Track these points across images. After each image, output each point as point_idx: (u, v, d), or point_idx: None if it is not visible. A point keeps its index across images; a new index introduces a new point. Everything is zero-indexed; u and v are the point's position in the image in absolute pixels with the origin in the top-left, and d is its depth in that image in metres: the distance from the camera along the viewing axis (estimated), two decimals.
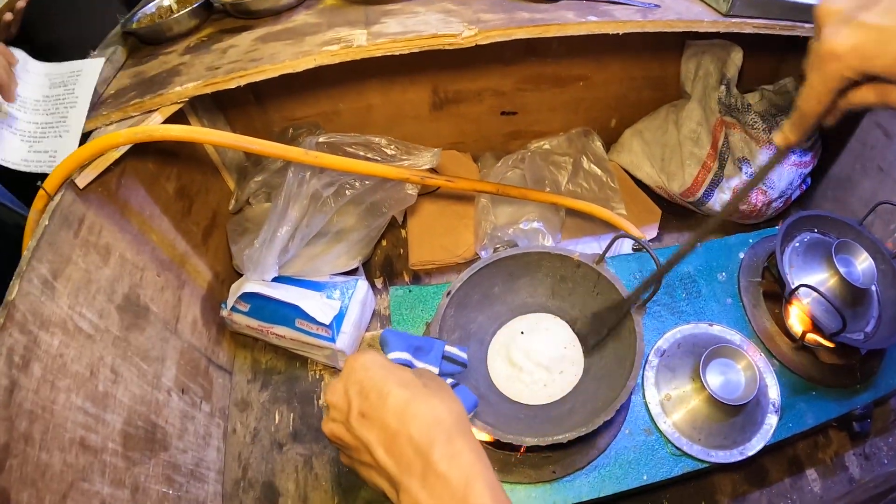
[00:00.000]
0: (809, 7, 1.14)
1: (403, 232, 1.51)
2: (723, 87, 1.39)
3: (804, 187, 1.52)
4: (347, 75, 1.35)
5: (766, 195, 1.40)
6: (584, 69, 1.52)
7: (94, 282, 0.89)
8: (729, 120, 1.40)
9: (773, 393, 1.00)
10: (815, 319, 1.00)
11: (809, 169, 1.46)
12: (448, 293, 0.93)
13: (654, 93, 1.60)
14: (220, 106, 1.40)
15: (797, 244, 1.14)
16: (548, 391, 0.95)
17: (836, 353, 1.06)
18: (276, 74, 1.01)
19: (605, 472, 0.91)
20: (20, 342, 0.71)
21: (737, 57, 1.41)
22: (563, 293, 1.03)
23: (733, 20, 1.11)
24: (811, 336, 1.02)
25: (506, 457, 0.90)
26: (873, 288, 1.12)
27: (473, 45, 1.00)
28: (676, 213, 1.54)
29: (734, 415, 0.94)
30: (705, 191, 1.41)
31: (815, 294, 0.98)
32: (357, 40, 1.02)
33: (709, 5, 1.15)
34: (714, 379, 0.95)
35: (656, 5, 1.10)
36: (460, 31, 0.99)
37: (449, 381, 0.77)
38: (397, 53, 1.02)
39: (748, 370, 0.95)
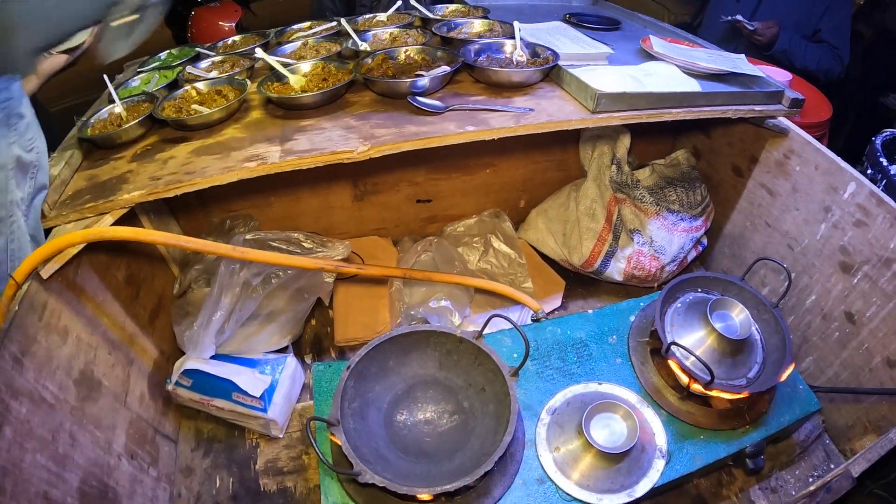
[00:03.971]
0: (672, 95, 1.40)
1: (331, 312, 1.70)
2: (614, 167, 1.64)
3: (700, 248, 1.76)
4: (277, 175, 1.58)
5: (659, 261, 1.63)
6: (490, 158, 1.76)
7: (55, 359, 1.05)
8: (620, 196, 1.64)
9: (660, 440, 1.18)
10: (691, 373, 1.18)
11: (702, 232, 1.70)
12: (348, 367, 1.12)
13: (559, 173, 1.84)
14: (167, 202, 1.58)
15: (679, 305, 1.34)
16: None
17: (726, 399, 1.23)
18: (206, 186, 1.21)
19: None
20: None
21: (625, 139, 1.67)
22: (450, 365, 1.22)
23: (600, 116, 1.33)
24: (696, 387, 1.20)
25: None
26: (756, 336, 1.31)
27: (368, 158, 1.22)
28: (581, 282, 1.77)
29: (619, 461, 1.11)
30: (602, 261, 1.64)
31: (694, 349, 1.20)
32: (271, 157, 1.23)
33: (581, 103, 1.37)
34: (599, 431, 1.13)
35: (530, 109, 1.32)
36: (356, 148, 1.21)
37: None
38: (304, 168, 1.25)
39: (629, 421, 1.13)
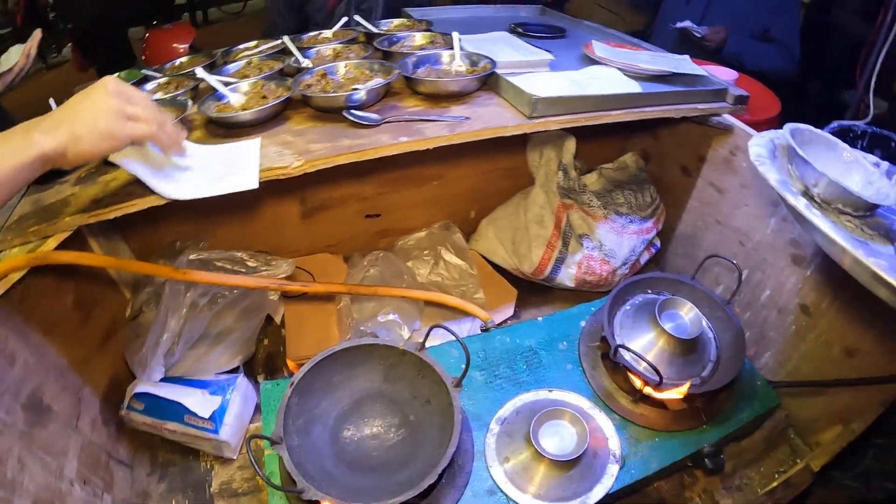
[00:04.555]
0: (612, 98, 1.42)
1: (283, 330, 1.69)
2: (560, 172, 1.65)
3: (654, 250, 1.78)
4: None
5: (610, 265, 1.64)
6: (438, 169, 1.77)
7: (3, 383, 1.04)
8: (568, 201, 1.65)
9: (614, 444, 1.17)
10: (641, 375, 1.19)
11: (653, 233, 1.72)
12: (291, 384, 1.12)
13: (508, 182, 1.85)
14: (116, 224, 1.55)
15: (628, 307, 1.35)
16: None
17: (682, 399, 1.24)
18: (144, 207, 1.18)
19: None
20: None
21: (570, 145, 1.68)
22: (395, 378, 1.22)
23: (537, 121, 1.34)
24: (648, 389, 1.22)
25: None
26: (709, 334, 1.32)
27: (302, 173, 1.22)
28: (534, 290, 1.77)
29: (570, 469, 1.11)
30: (552, 268, 1.65)
31: (640, 351, 1.21)
32: None
33: (518, 109, 1.38)
34: (548, 439, 1.12)
35: (466, 118, 1.33)
36: (290, 163, 1.21)
37: None
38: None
39: (578, 427, 1.13)
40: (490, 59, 1.50)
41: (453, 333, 1.15)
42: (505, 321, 1.69)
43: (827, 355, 1.43)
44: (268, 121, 1.40)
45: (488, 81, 1.51)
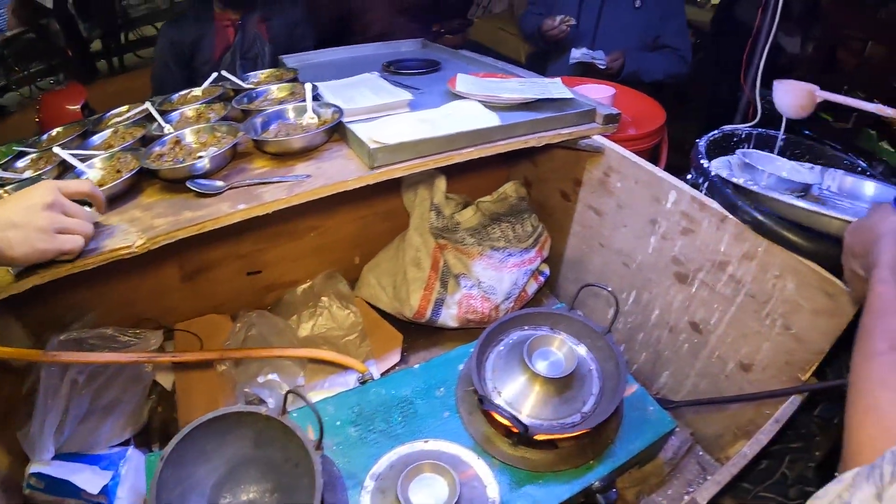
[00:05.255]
0: (465, 135, 1.41)
1: (176, 397, 1.67)
2: (432, 213, 1.66)
3: (542, 278, 1.78)
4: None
5: (491, 301, 1.64)
6: (313, 221, 1.77)
7: None
8: (442, 241, 1.65)
9: (492, 492, 1.16)
10: (512, 421, 1.17)
11: (538, 263, 1.72)
12: (162, 457, 1.09)
13: (388, 224, 1.85)
14: (5, 303, 1.58)
15: (502, 348, 1.35)
16: None
17: (564, 437, 1.23)
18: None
19: None
20: None
21: (441, 184, 1.68)
22: (265, 443, 1.20)
23: (380, 171, 1.34)
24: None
25: None
26: (591, 366, 1.32)
27: (146, 251, 1.20)
28: (423, 332, 1.77)
29: None
30: (433, 310, 1.64)
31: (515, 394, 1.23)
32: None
33: (362, 160, 1.37)
34: (418, 495, 1.11)
35: (307, 176, 1.32)
36: (133, 242, 1.18)
37: None
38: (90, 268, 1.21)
39: (447, 478, 1.12)
40: (338, 108, 1.50)
41: (305, 399, 1.14)
42: (392, 367, 1.68)
43: (723, 371, 1.45)
44: (120, 196, 1.37)
45: (339, 131, 1.51)
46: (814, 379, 1.30)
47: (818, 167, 1.60)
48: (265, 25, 2.53)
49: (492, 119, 1.50)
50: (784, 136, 1.64)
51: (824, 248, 1.22)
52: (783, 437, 1.51)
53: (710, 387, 1.51)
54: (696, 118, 4.21)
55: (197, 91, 1.86)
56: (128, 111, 1.83)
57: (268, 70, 1.96)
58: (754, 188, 1.35)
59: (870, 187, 1.51)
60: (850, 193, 1.53)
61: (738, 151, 1.57)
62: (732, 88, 3.12)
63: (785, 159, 1.60)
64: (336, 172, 1.35)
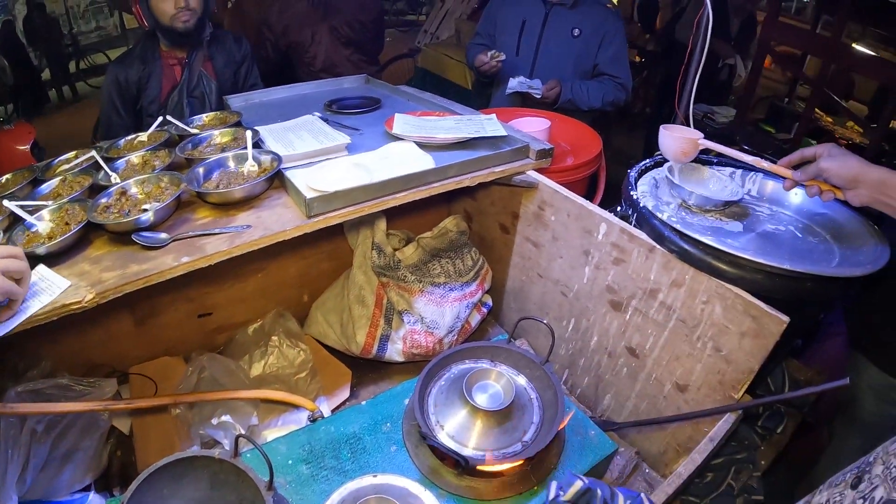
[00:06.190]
0: (397, 180, 1.47)
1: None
2: (374, 252, 1.72)
3: (485, 309, 1.86)
4: None
5: (434, 335, 1.71)
6: (258, 263, 1.84)
7: None
8: (385, 279, 1.72)
9: None
10: (453, 455, 1.23)
11: (479, 295, 1.80)
12: (122, 503, 1.13)
13: (332, 264, 1.93)
14: None
15: (443, 382, 1.41)
16: None
17: (505, 468, 1.28)
18: None
19: None
20: None
21: (381, 224, 1.75)
22: (220, 485, 1.24)
23: (317, 219, 1.41)
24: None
25: None
26: (530, 395, 1.38)
27: (95, 305, 1.26)
28: (372, 366, 1.84)
29: None
30: (379, 346, 1.71)
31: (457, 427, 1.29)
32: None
33: (300, 209, 1.43)
34: None
35: (247, 226, 1.38)
36: (84, 297, 1.24)
37: None
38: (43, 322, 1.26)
39: None
40: (277, 155, 1.55)
41: (253, 442, 1.20)
42: (343, 402, 1.74)
43: (661, 392, 1.53)
44: (70, 249, 1.41)
45: (279, 177, 1.56)
46: (747, 396, 1.38)
47: (739, 171, 1.75)
48: (210, 64, 2.57)
49: (426, 162, 1.57)
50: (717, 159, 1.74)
51: (748, 274, 1.32)
52: (727, 449, 1.61)
53: (650, 407, 1.59)
54: (642, 127, 4.35)
55: (143, 136, 1.89)
56: (75, 157, 1.85)
57: (212, 113, 2.01)
58: (677, 226, 1.44)
59: (793, 193, 1.68)
60: (770, 199, 1.72)
61: (665, 165, 1.72)
62: (672, 108, 3.25)
63: (706, 167, 1.75)
64: (275, 222, 1.41)
